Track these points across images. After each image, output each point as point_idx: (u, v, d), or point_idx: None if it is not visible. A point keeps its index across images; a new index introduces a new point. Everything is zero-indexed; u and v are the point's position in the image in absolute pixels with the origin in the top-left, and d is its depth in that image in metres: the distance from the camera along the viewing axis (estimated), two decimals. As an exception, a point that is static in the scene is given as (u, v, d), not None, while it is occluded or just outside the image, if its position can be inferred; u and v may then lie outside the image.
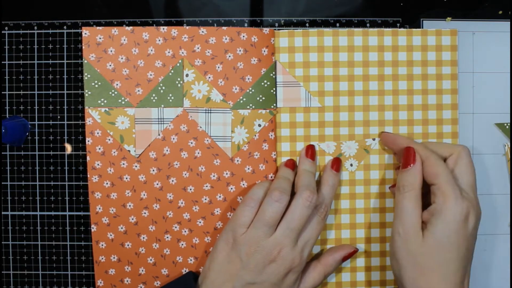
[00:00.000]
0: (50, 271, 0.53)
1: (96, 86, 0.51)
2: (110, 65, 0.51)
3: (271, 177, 0.51)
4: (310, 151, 0.51)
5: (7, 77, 0.53)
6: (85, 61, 0.51)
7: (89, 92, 0.51)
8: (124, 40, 0.51)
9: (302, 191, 0.47)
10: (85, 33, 0.51)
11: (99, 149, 0.51)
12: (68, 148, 0.53)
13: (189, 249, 0.52)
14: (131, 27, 0.51)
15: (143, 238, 0.52)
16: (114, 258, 0.52)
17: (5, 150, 0.53)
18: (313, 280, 0.49)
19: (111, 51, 0.51)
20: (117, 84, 0.51)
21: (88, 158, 0.51)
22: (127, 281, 0.52)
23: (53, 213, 0.53)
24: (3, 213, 0.53)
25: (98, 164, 0.51)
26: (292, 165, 0.51)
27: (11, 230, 0.53)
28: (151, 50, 0.51)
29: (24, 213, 0.53)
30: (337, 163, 0.51)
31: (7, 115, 0.53)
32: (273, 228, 0.46)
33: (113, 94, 0.51)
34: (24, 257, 0.53)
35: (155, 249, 0.52)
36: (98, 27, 0.51)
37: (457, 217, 0.44)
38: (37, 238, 0.53)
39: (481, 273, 0.54)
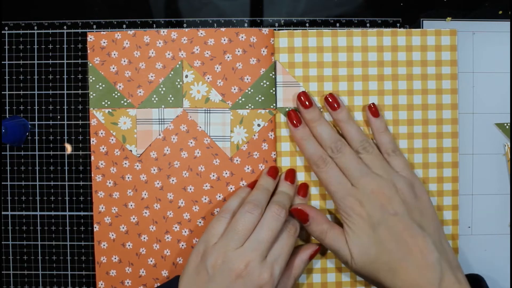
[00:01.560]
0: (50, 271, 0.53)
1: (100, 88, 0.52)
2: (113, 68, 0.51)
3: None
4: (290, 175, 0.51)
5: (7, 77, 0.53)
6: (90, 65, 0.52)
7: (94, 94, 0.52)
8: (127, 43, 0.51)
9: (271, 205, 0.47)
10: (90, 38, 0.52)
11: (103, 149, 0.52)
12: (68, 148, 0.53)
13: (190, 250, 0.52)
14: (133, 31, 0.51)
15: (144, 238, 0.52)
16: (115, 258, 0.52)
17: (5, 150, 0.53)
18: (283, 285, 0.48)
19: (114, 54, 0.51)
20: (119, 86, 0.51)
21: (92, 158, 0.52)
22: (128, 282, 0.52)
23: (53, 213, 0.53)
24: (3, 213, 0.53)
25: (101, 164, 0.52)
26: (274, 174, 0.51)
27: (11, 230, 0.53)
28: (152, 53, 0.51)
29: (24, 213, 0.53)
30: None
31: (7, 115, 0.53)
32: (243, 240, 0.45)
33: (116, 96, 0.51)
34: (24, 257, 0.54)
35: (156, 250, 0.52)
36: (102, 32, 0.52)
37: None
38: (37, 238, 0.53)
39: (481, 273, 0.54)
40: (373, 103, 0.51)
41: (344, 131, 0.50)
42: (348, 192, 0.47)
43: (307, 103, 0.50)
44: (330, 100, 0.50)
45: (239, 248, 0.44)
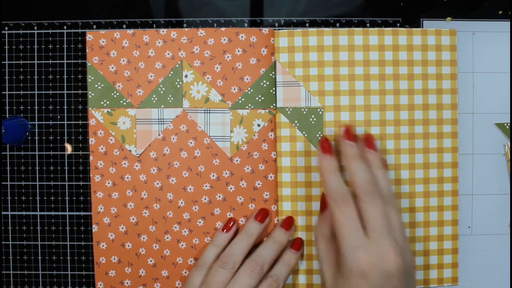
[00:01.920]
0: (50, 271, 0.53)
1: (99, 88, 0.51)
2: (112, 67, 0.51)
3: (271, 177, 0.51)
4: (287, 223, 0.50)
5: (7, 77, 0.53)
6: (89, 64, 0.51)
7: (93, 94, 0.51)
8: (126, 43, 0.51)
9: (248, 261, 0.47)
10: (89, 37, 0.51)
11: (102, 149, 0.52)
12: (68, 148, 0.53)
13: (189, 250, 0.52)
14: (132, 30, 0.51)
15: (143, 238, 0.52)
16: (114, 259, 0.52)
17: (5, 150, 0.53)
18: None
19: (113, 54, 0.51)
20: (119, 86, 0.51)
21: (91, 158, 0.52)
22: (127, 283, 0.52)
23: (53, 213, 0.53)
24: (3, 213, 0.53)
25: (100, 164, 0.52)
26: (262, 218, 0.50)
27: (11, 230, 0.54)
28: (151, 52, 0.51)
29: (24, 213, 0.53)
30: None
31: (7, 115, 0.53)
32: None
33: (115, 95, 0.51)
34: (24, 257, 0.54)
35: (155, 250, 0.52)
36: (101, 31, 0.52)
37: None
38: (37, 238, 0.53)
39: (481, 273, 0.54)
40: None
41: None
42: (361, 244, 0.43)
43: (352, 137, 0.48)
44: (367, 140, 0.49)
45: None
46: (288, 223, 0.50)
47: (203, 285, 0.46)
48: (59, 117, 0.53)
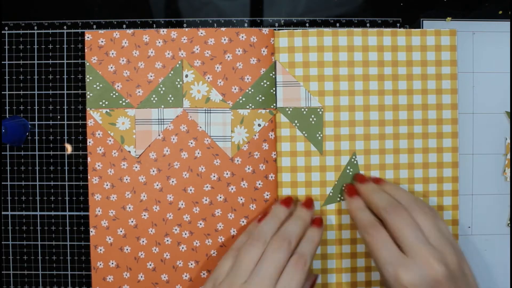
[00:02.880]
0: (50, 271, 0.53)
1: (98, 88, 0.51)
2: (111, 67, 0.51)
3: (272, 177, 0.51)
4: (309, 203, 0.50)
5: (7, 77, 0.53)
6: (87, 64, 0.51)
7: (91, 94, 0.51)
8: (125, 42, 0.51)
9: (274, 236, 0.46)
10: (88, 37, 0.51)
11: (100, 150, 0.51)
12: (68, 148, 0.53)
13: (190, 253, 0.52)
14: (131, 30, 0.51)
15: (143, 241, 0.52)
16: (112, 263, 0.52)
17: (5, 150, 0.53)
18: None
19: (113, 53, 0.51)
20: (118, 86, 0.51)
21: (89, 159, 0.51)
22: None
23: (53, 213, 0.53)
24: (3, 213, 0.53)
25: (98, 166, 0.51)
26: (288, 203, 0.50)
27: (11, 230, 0.53)
28: (151, 52, 0.51)
29: (24, 213, 0.53)
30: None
31: (7, 115, 0.53)
32: (248, 274, 0.44)
33: (114, 96, 0.51)
34: (24, 257, 0.53)
35: (155, 253, 0.52)
36: (100, 31, 0.51)
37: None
38: (37, 238, 0.53)
39: (482, 273, 0.54)
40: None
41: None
42: (399, 261, 0.43)
43: (363, 178, 0.51)
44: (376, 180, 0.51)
45: (244, 284, 0.43)
46: (309, 202, 0.50)
47: (233, 268, 0.45)
48: (59, 117, 0.53)
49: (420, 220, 0.44)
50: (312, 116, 0.52)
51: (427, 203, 0.52)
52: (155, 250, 0.52)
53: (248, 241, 0.46)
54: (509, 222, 0.54)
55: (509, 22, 0.53)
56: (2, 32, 0.53)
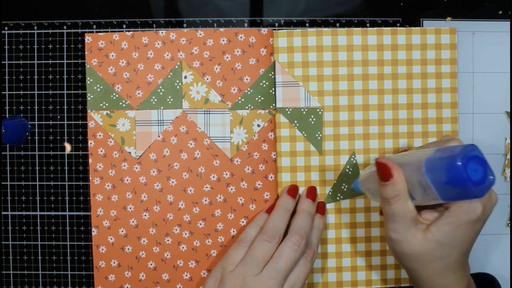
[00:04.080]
0: (50, 271, 0.54)
1: (98, 90, 0.51)
2: (111, 69, 0.51)
3: (271, 177, 0.51)
4: (312, 193, 0.51)
5: (7, 77, 0.53)
6: (88, 66, 0.51)
7: (92, 96, 0.51)
8: (125, 44, 0.51)
9: (291, 234, 0.47)
10: (88, 39, 0.51)
11: (101, 151, 0.51)
12: (68, 147, 0.53)
13: (190, 252, 0.52)
14: (131, 32, 0.51)
15: (144, 241, 0.52)
16: (114, 263, 0.52)
17: (5, 150, 0.53)
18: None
19: (112, 55, 0.51)
20: (118, 88, 0.51)
21: (90, 160, 0.52)
22: (127, 287, 0.52)
23: (53, 213, 0.53)
24: (3, 213, 0.53)
25: (99, 166, 0.52)
26: (294, 193, 0.51)
27: (11, 230, 0.54)
28: (151, 54, 0.51)
29: (24, 213, 0.53)
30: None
31: (7, 115, 0.53)
32: (261, 267, 0.45)
33: (114, 97, 0.51)
34: (24, 257, 0.54)
35: (156, 253, 0.52)
36: (100, 33, 0.52)
37: (468, 218, 0.41)
38: (37, 238, 0.53)
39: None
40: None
41: None
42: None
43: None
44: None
45: (257, 275, 0.45)
46: (313, 193, 0.51)
47: (246, 259, 0.46)
48: (59, 117, 0.53)
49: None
50: (312, 116, 0.52)
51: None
52: (155, 249, 0.52)
53: (261, 236, 0.47)
54: (509, 222, 0.54)
55: (509, 22, 0.53)
56: (2, 32, 0.53)
